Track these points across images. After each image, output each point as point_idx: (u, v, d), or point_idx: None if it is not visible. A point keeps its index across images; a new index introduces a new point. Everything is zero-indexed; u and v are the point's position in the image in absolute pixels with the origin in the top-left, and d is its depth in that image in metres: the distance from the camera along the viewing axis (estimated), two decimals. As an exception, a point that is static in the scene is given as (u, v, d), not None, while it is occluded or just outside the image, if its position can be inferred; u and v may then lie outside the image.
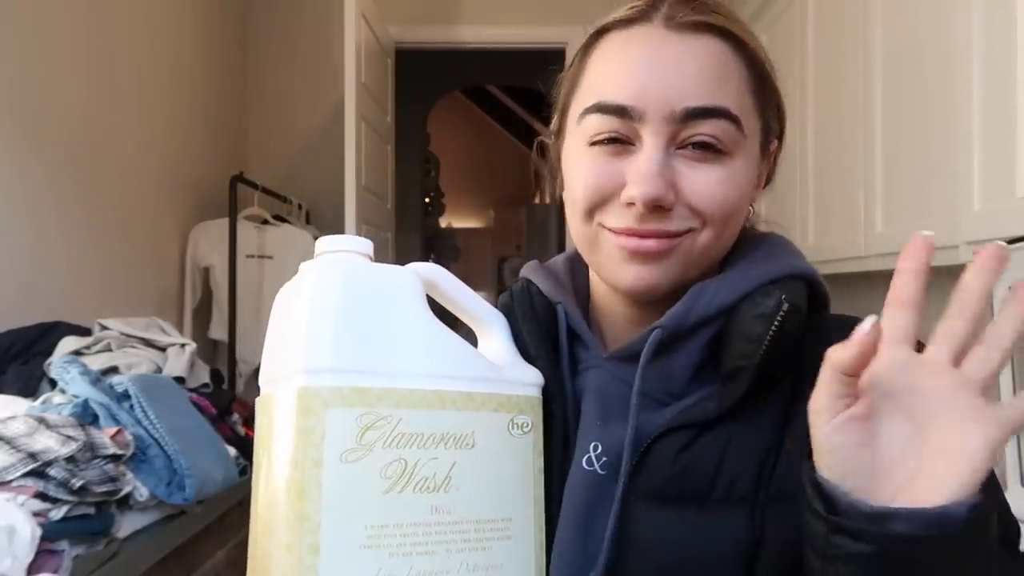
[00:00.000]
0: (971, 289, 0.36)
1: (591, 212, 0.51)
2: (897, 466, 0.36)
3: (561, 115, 0.57)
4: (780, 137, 0.57)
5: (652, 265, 0.50)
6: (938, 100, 1.39)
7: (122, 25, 2.16)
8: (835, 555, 0.36)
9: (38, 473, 1.11)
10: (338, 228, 2.57)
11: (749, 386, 0.48)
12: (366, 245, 0.46)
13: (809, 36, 2.02)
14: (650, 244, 0.49)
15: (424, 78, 3.98)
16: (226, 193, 2.54)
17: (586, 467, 0.50)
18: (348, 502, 0.40)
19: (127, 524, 1.27)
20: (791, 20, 2.12)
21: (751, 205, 0.56)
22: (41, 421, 1.21)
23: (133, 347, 1.75)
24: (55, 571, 1.07)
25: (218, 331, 2.66)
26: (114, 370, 1.61)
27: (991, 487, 0.37)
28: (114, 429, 1.31)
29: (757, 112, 0.52)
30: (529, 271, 0.60)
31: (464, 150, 6.93)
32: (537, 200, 6.48)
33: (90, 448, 1.21)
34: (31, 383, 1.54)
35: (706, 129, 0.48)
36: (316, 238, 0.48)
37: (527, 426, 0.49)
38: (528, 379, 0.51)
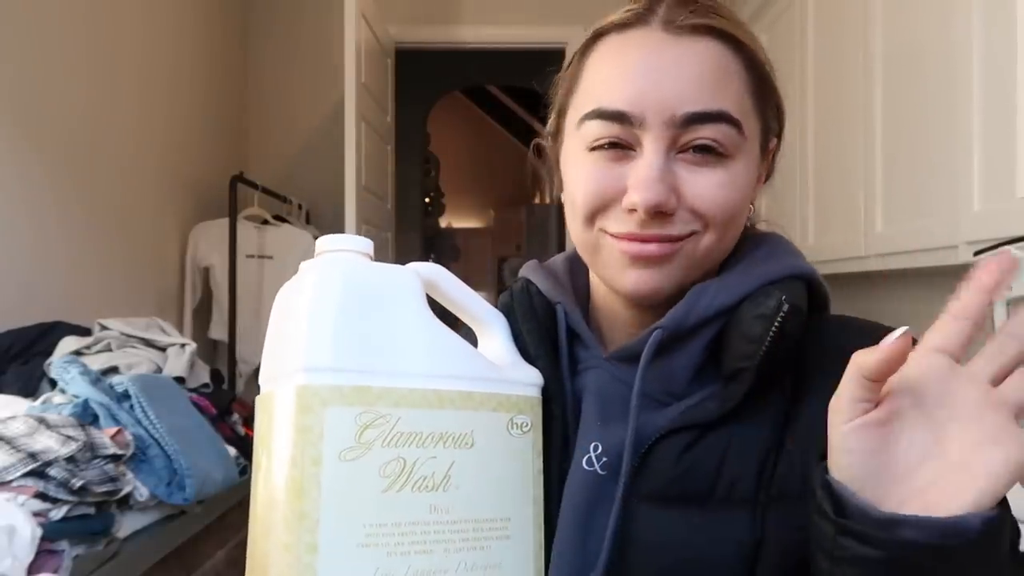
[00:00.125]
0: None
1: (592, 218, 0.51)
2: (912, 474, 0.36)
3: (559, 117, 0.57)
4: (779, 135, 0.57)
5: (654, 269, 0.50)
6: (938, 100, 1.39)
7: (122, 25, 2.16)
8: (842, 557, 0.36)
9: (38, 473, 1.11)
10: (338, 228, 2.58)
11: (750, 387, 0.48)
12: (367, 244, 0.46)
13: (809, 36, 2.02)
14: (652, 248, 0.49)
15: (424, 78, 3.98)
16: (226, 193, 2.54)
17: (586, 467, 0.50)
18: (346, 501, 0.40)
19: (127, 524, 1.27)
20: (791, 20, 2.12)
21: (751, 204, 0.56)
22: (41, 421, 1.21)
23: (133, 347, 1.75)
24: (55, 571, 1.07)
25: (218, 331, 2.67)
26: (114, 370, 1.61)
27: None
28: (114, 429, 1.31)
29: (757, 113, 0.52)
30: (528, 271, 0.60)
31: (464, 150, 6.94)
32: (537, 200, 6.49)
33: (90, 448, 1.21)
34: (31, 383, 1.54)
35: (706, 133, 0.48)
36: (316, 238, 0.48)
37: (526, 426, 0.49)
38: (528, 379, 0.51)
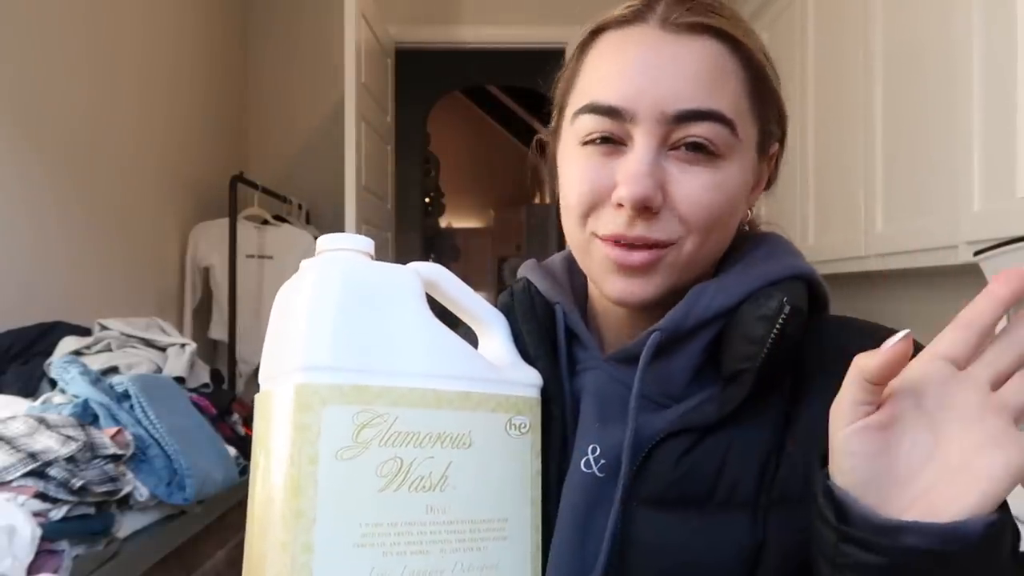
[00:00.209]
0: None
1: (584, 217, 0.51)
2: (914, 478, 0.36)
3: (559, 114, 0.57)
4: (781, 140, 0.56)
5: (639, 278, 0.50)
6: (938, 99, 1.39)
7: (122, 25, 2.16)
8: (844, 564, 0.36)
9: (38, 473, 1.11)
10: (338, 228, 2.58)
11: (750, 389, 0.47)
12: (367, 243, 0.46)
13: (809, 35, 2.02)
14: (636, 258, 0.49)
15: (424, 78, 3.98)
16: (226, 193, 2.54)
17: (584, 469, 0.50)
18: (343, 500, 0.40)
19: (127, 524, 1.27)
20: (791, 19, 2.12)
21: (749, 208, 0.56)
22: (41, 421, 1.21)
23: (133, 347, 1.75)
24: (55, 571, 1.07)
25: (218, 331, 2.67)
26: (114, 370, 1.61)
27: None
28: (114, 429, 1.31)
29: (754, 115, 0.51)
30: (527, 270, 0.60)
31: (464, 150, 6.93)
32: (537, 200, 6.49)
33: (90, 448, 1.21)
34: (31, 383, 1.54)
35: (698, 131, 0.47)
36: (316, 238, 0.48)
37: (525, 427, 0.49)
38: (527, 380, 0.51)
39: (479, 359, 0.48)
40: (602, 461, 0.49)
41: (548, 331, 0.55)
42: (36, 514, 1.08)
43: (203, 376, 1.86)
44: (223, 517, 1.61)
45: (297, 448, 0.40)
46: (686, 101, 0.47)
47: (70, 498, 1.13)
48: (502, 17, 3.14)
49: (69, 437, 1.19)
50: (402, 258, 3.50)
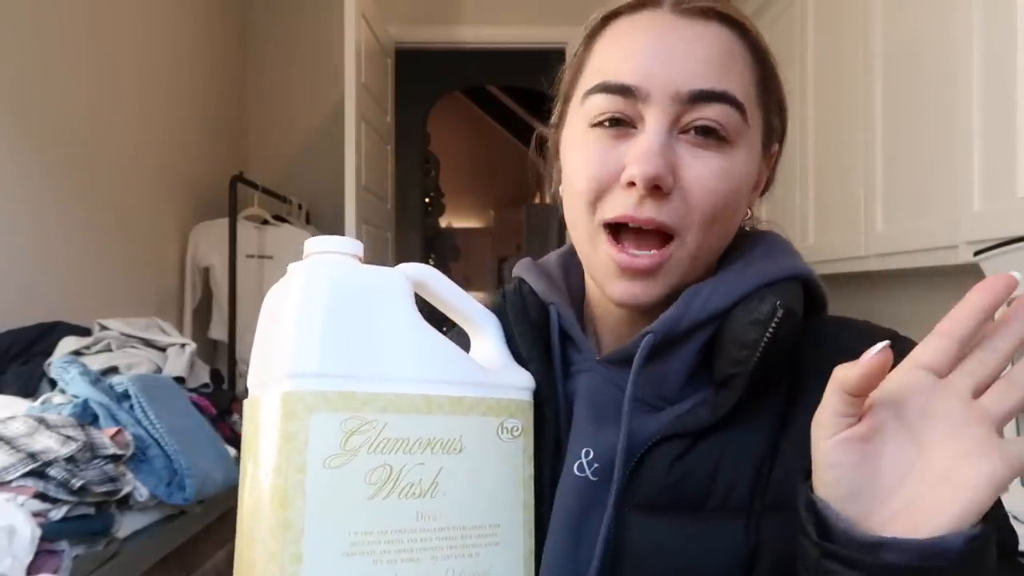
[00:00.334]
0: (1008, 333, 0.36)
1: (592, 204, 0.50)
2: (897, 489, 0.36)
3: (563, 104, 0.56)
4: (781, 140, 0.56)
5: (643, 281, 0.49)
6: (938, 99, 1.39)
7: (122, 25, 2.16)
8: None
9: (38, 473, 1.11)
10: (338, 228, 2.58)
11: (744, 392, 0.47)
12: (355, 246, 0.46)
13: (809, 35, 2.02)
14: (640, 263, 0.48)
15: (424, 78, 3.98)
16: (226, 193, 2.54)
17: (577, 473, 0.49)
18: (332, 509, 0.40)
19: (127, 524, 1.27)
20: (791, 19, 2.12)
21: (749, 208, 0.55)
22: (41, 421, 1.21)
23: (133, 347, 1.75)
24: (55, 571, 1.07)
25: (218, 331, 2.67)
26: (114, 370, 1.61)
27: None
28: (114, 429, 1.31)
29: (760, 105, 0.51)
30: (522, 269, 0.59)
31: (464, 150, 6.93)
32: (537, 200, 6.49)
33: (90, 448, 1.21)
34: (31, 383, 1.54)
35: (710, 113, 0.47)
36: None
37: (517, 430, 0.48)
38: (519, 383, 0.50)
39: (470, 362, 0.48)
40: (595, 465, 0.49)
41: (542, 332, 0.55)
42: (36, 514, 1.08)
43: (203, 376, 1.86)
44: (223, 517, 1.61)
45: (284, 457, 0.39)
46: (700, 81, 0.47)
47: (70, 498, 1.13)
48: (502, 17, 3.14)
49: (69, 437, 1.19)
50: (402, 258, 3.50)
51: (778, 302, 0.47)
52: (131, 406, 1.42)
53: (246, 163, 3.01)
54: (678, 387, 0.51)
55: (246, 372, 2.45)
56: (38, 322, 1.70)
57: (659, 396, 0.51)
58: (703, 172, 0.48)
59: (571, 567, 0.48)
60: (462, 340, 0.54)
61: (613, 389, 0.51)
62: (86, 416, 1.33)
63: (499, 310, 0.56)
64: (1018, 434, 1.10)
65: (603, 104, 0.49)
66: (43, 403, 1.37)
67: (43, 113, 1.81)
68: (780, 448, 0.48)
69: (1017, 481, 1.18)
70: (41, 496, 1.10)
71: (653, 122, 0.48)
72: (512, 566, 0.46)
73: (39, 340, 1.66)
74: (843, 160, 1.81)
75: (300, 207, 2.95)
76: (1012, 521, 1.19)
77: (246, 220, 2.65)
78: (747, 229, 0.57)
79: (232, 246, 2.53)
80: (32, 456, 1.12)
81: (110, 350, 1.70)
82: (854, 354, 0.37)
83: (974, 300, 0.36)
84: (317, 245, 0.45)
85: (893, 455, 0.36)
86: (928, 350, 0.36)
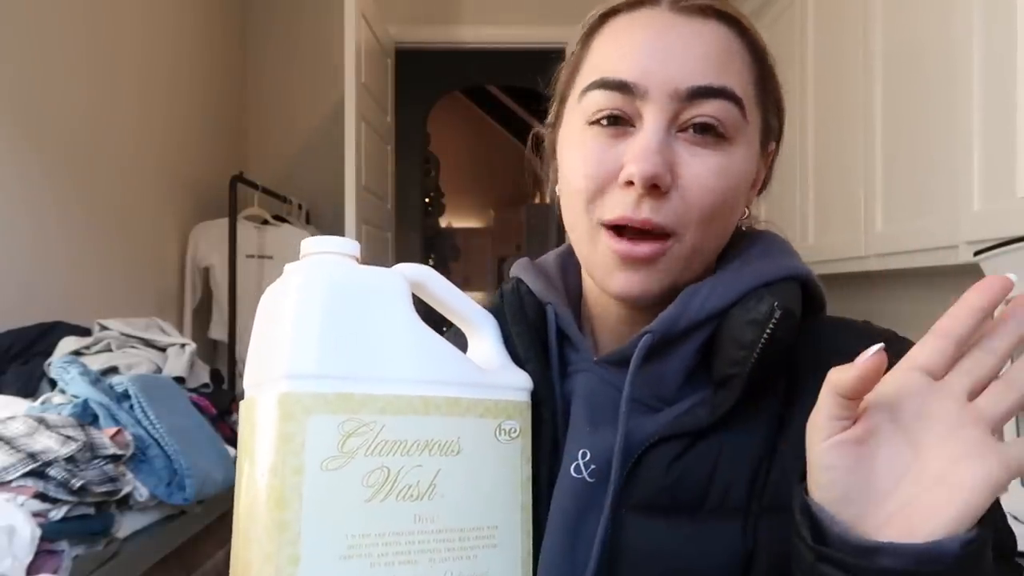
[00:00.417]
0: (1004, 333, 0.35)
1: (589, 203, 0.50)
2: (892, 492, 0.36)
3: (559, 103, 0.56)
4: (779, 139, 0.56)
5: (643, 272, 0.49)
6: (938, 99, 1.39)
7: (122, 25, 2.16)
8: None
9: (38, 473, 1.11)
10: (338, 228, 2.58)
11: (741, 393, 0.47)
12: (352, 247, 0.45)
13: (809, 35, 2.02)
14: (641, 251, 0.48)
15: (424, 78, 3.98)
16: (226, 193, 2.54)
17: (574, 475, 0.49)
18: (329, 511, 0.39)
19: (127, 524, 1.27)
20: (791, 19, 2.12)
21: (747, 207, 0.55)
22: (41, 421, 1.21)
23: (133, 347, 1.75)
24: (55, 571, 1.07)
25: (218, 331, 2.67)
26: (114, 370, 1.61)
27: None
28: (114, 429, 1.31)
29: (758, 103, 0.51)
30: (520, 269, 0.59)
31: (464, 150, 6.93)
32: (537, 200, 6.49)
33: (90, 448, 1.21)
34: (31, 383, 1.54)
35: (709, 109, 0.47)
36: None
37: (515, 432, 0.48)
38: (517, 383, 0.50)
39: (467, 363, 0.48)
40: (592, 466, 0.49)
41: (539, 332, 0.54)
42: (36, 514, 1.08)
43: (203, 376, 1.86)
44: (223, 517, 1.61)
45: (281, 458, 0.39)
46: (698, 78, 0.47)
47: (70, 498, 1.13)
48: (502, 17, 3.14)
49: (69, 437, 1.19)
50: (402, 258, 3.50)
51: (776, 302, 0.47)
52: (131, 406, 1.42)
53: (246, 163, 3.01)
54: (676, 387, 0.51)
55: (246, 372, 2.44)
56: (38, 322, 1.70)
57: (656, 396, 0.51)
58: (701, 170, 0.48)
59: (568, 568, 0.47)
60: (459, 340, 0.53)
61: (610, 389, 0.51)
62: (86, 416, 1.33)
63: (496, 310, 0.56)
64: (1018, 434, 1.10)
65: (601, 101, 0.49)
66: (43, 403, 1.37)
67: (43, 113, 1.81)
68: (777, 449, 0.48)
69: (1017, 481, 1.18)
70: (41, 496, 1.10)
71: (651, 120, 0.48)
72: (510, 568, 0.46)
73: (39, 340, 1.66)
74: (843, 160, 1.81)
75: (300, 207, 2.95)
76: (1012, 521, 1.20)
77: (246, 220, 2.65)
78: (744, 228, 0.57)
79: (232, 246, 2.53)
80: (32, 456, 1.12)
81: (110, 350, 1.70)
82: (852, 355, 0.36)
83: (971, 300, 0.36)
84: (314, 245, 0.45)
85: (888, 458, 0.36)
86: (924, 351, 0.36)
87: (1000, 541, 0.44)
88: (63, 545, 1.11)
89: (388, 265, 0.47)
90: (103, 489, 1.18)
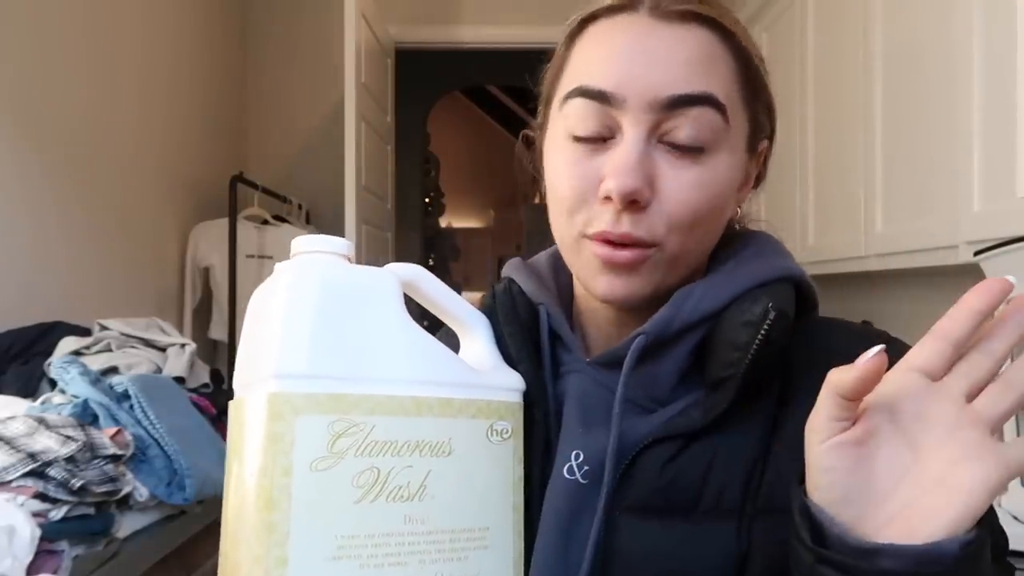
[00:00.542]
0: (1002, 335, 0.35)
1: (572, 213, 0.50)
2: (892, 494, 0.36)
3: (545, 105, 0.56)
4: (771, 138, 0.55)
5: (626, 276, 0.49)
6: (938, 99, 1.39)
7: (122, 25, 2.16)
8: None
9: (38, 473, 1.11)
10: (338, 228, 2.58)
11: (736, 395, 0.47)
12: (344, 246, 0.45)
13: (809, 35, 2.02)
14: (623, 256, 0.48)
15: (424, 78, 3.97)
16: (226, 193, 2.55)
17: (567, 476, 0.49)
18: (318, 512, 0.39)
19: (127, 524, 1.28)
20: (791, 19, 2.12)
21: (739, 206, 0.55)
22: (41, 421, 1.21)
23: (133, 347, 1.75)
24: (55, 571, 1.07)
25: (218, 331, 2.67)
26: (114, 370, 1.61)
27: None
28: (114, 429, 1.31)
29: (744, 105, 0.50)
30: (512, 269, 0.59)
31: (464, 150, 6.93)
32: (537, 200, 6.47)
33: (90, 448, 1.21)
34: (31, 383, 1.54)
35: (690, 117, 0.46)
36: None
37: (507, 432, 0.48)
38: (509, 384, 0.50)
39: (459, 363, 0.47)
40: (586, 467, 0.49)
41: (531, 332, 0.54)
42: (36, 514, 1.08)
43: (203, 376, 1.86)
44: (223, 517, 1.61)
45: (270, 459, 0.39)
46: (678, 86, 0.46)
47: (70, 498, 1.13)
48: (502, 17, 3.14)
49: (69, 437, 1.19)
50: (402, 258, 3.50)
51: (770, 303, 0.47)
52: (131, 406, 1.42)
53: (246, 163, 3.01)
54: (669, 389, 0.51)
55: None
56: (38, 322, 1.70)
57: (650, 397, 0.51)
58: (682, 183, 0.47)
59: (561, 570, 0.47)
60: (450, 341, 0.53)
61: (603, 390, 0.51)
62: (86, 416, 1.33)
63: (489, 311, 0.55)
64: (1018, 434, 1.10)
65: (580, 109, 0.49)
66: (43, 403, 1.37)
67: (43, 113, 1.81)
68: (772, 450, 0.48)
69: (1017, 481, 1.18)
70: (41, 496, 1.10)
71: (631, 131, 0.47)
72: (501, 569, 0.46)
73: (39, 340, 1.66)
74: (843, 160, 1.81)
75: (300, 207, 2.95)
76: (1012, 521, 1.19)
77: (246, 220, 2.65)
78: (737, 228, 0.56)
79: (232, 246, 2.53)
80: (32, 456, 1.12)
81: (110, 350, 1.70)
82: (845, 355, 0.36)
83: (970, 302, 0.36)
84: (304, 244, 0.44)
85: (888, 459, 0.36)
86: (923, 353, 0.36)
87: (993, 540, 0.44)
88: (63, 545, 1.11)
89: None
90: (103, 489, 1.18)
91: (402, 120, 3.43)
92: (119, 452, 1.27)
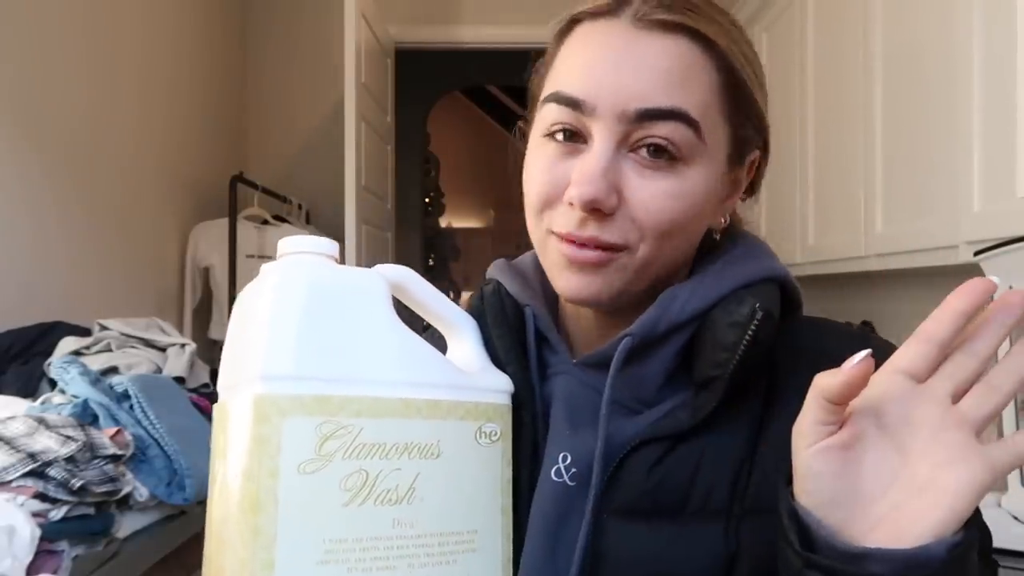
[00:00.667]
0: (986, 335, 0.35)
1: (540, 212, 0.50)
2: (879, 497, 0.36)
3: (532, 104, 0.56)
4: (763, 147, 0.54)
5: (591, 276, 0.48)
6: (938, 100, 1.39)
7: (122, 25, 2.16)
8: None
9: (38, 473, 1.11)
10: (338, 228, 2.58)
11: (723, 395, 0.47)
12: (331, 246, 0.45)
13: (809, 36, 2.02)
14: (587, 255, 0.47)
15: (424, 78, 3.97)
16: (226, 193, 2.55)
17: (555, 478, 0.49)
18: (305, 515, 0.39)
19: (127, 524, 1.28)
20: (791, 20, 2.12)
21: (723, 217, 0.54)
22: (41, 421, 1.21)
23: (133, 347, 1.75)
24: (55, 571, 1.07)
25: (218, 331, 2.67)
26: (114, 370, 1.61)
27: None
28: (114, 429, 1.31)
29: (725, 118, 0.49)
30: (497, 271, 0.58)
31: (464, 150, 6.93)
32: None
33: (90, 448, 1.21)
34: (31, 383, 1.54)
35: (660, 132, 0.46)
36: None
37: (495, 435, 0.47)
38: (497, 386, 0.49)
39: (447, 365, 0.47)
40: (573, 470, 0.48)
41: (518, 334, 0.54)
42: (36, 514, 1.08)
43: (203, 376, 1.86)
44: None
45: (256, 461, 0.38)
46: (649, 100, 0.46)
47: (70, 498, 1.13)
48: (502, 17, 3.14)
49: (69, 437, 1.19)
50: (402, 258, 3.50)
51: (757, 304, 0.47)
52: (131, 406, 1.42)
53: (246, 163, 3.02)
54: (655, 389, 0.50)
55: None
56: (38, 322, 1.70)
57: (637, 399, 0.50)
58: (650, 194, 0.47)
59: (549, 573, 0.47)
60: (438, 343, 0.53)
61: (590, 392, 0.51)
62: (86, 416, 1.33)
63: (477, 312, 0.55)
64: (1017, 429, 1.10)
65: (555, 114, 0.48)
66: (43, 403, 1.37)
67: (43, 113, 1.81)
68: (758, 450, 0.48)
69: (1017, 481, 1.18)
70: (41, 496, 1.10)
71: (599, 140, 0.47)
72: (490, 573, 0.45)
73: (39, 340, 1.66)
74: (843, 160, 1.81)
75: (300, 207, 2.95)
76: (1012, 521, 1.19)
77: (246, 220, 2.65)
78: (716, 237, 0.56)
79: (232, 246, 2.53)
80: (32, 456, 1.12)
81: (110, 350, 1.70)
82: (831, 355, 0.37)
83: (953, 304, 0.36)
84: (291, 245, 0.44)
85: (875, 462, 0.36)
86: (907, 355, 0.36)
87: (980, 540, 0.45)
88: (63, 545, 1.11)
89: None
90: (103, 489, 1.18)
91: (402, 120, 3.44)
92: (119, 452, 1.27)
